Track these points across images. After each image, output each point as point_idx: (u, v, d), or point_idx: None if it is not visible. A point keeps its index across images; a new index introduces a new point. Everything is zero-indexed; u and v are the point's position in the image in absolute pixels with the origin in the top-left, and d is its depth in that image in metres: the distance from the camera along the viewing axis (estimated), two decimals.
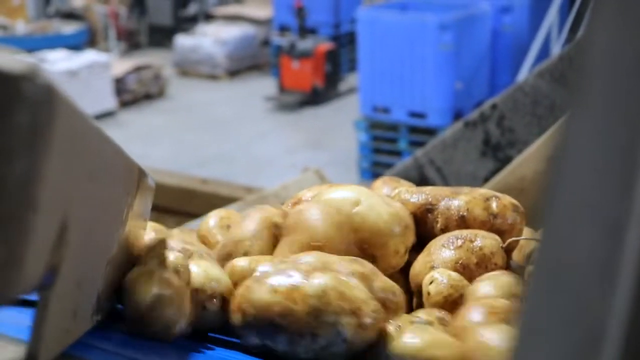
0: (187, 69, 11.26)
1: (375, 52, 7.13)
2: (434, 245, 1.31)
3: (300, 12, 9.73)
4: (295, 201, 1.35)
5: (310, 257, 1.18)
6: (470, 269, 1.25)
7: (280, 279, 1.12)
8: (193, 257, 1.23)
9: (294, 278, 1.11)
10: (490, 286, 1.20)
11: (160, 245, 1.25)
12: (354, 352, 1.10)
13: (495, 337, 1.08)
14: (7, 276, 0.68)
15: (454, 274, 1.23)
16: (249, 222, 1.34)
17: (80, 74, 9.24)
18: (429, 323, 1.15)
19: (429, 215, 1.37)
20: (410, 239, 1.32)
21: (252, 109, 9.78)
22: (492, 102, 2.92)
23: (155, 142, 8.65)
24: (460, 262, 1.26)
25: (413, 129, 7.17)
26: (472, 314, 1.13)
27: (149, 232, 1.36)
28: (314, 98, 9.66)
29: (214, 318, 1.20)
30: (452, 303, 1.20)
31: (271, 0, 11.00)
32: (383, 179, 1.56)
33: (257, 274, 1.17)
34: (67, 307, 0.92)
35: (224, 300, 1.19)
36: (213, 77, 11.11)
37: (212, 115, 9.62)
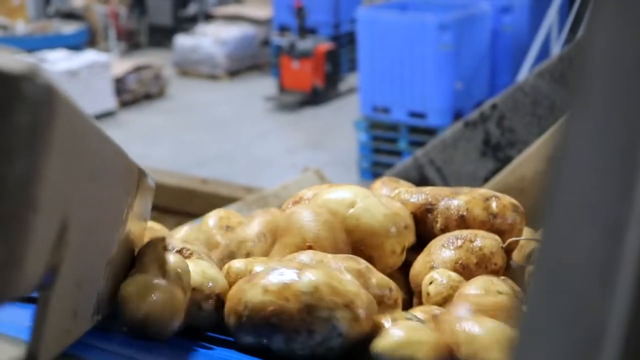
0: (187, 69, 11.26)
1: (375, 52, 7.13)
2: (434, 245, 1.31)
3: (300, 12, 9.73)
4: (296, 200, 1.35)
5: (305, 256, 1.19)
6: (470, 269, 1.25)
7: (271, 278, 1.12)
8: (192, 257, 1.24)
9: (285, 276, 1.12)
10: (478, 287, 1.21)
11: (159, 247, 1.25)
12: (350, 345, 1.11)
13: (476, 327, 1.08)
14: (7, 276, 0.68)
15: (454, 275, 1.23)
16: (253, 224, 1.35)
17: (80, 74, 9.24)
18: (426, 320, 1.15)
19: (429, 215, 1.37)
20: (410, 238, 1.32)
21: (252, 109, 9.78)
22: (492, 102, 2.92)
23: (155, 142, 8.65)
24: (460, 262, 1.26)
25: (413, 129, 7.17)
26: (458, 309, 1.14)
27: (148, 232, 1.36)
28: (314, 98, 9.67)
29: (210, 318, 1.20)
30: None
31: (271, 0, 11.00)
32: (382, 180, 1.56)
33: (249, 275, 1.18)
34: (67, 307, 0.92)
35: (220, 301, 1.19)
36: (213, 77, 11.11)
37: (212, 115, 9.62)
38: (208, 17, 12.62)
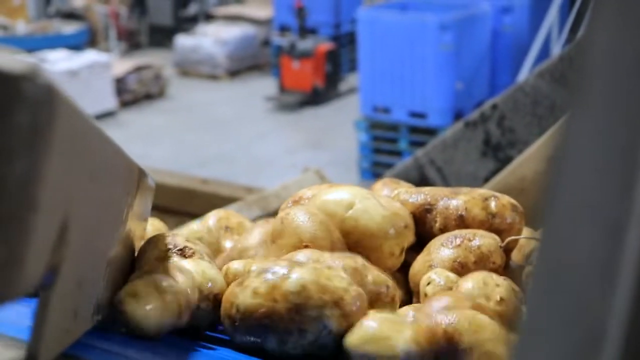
0: (187, 69, 11.27)
1: (375, 52, 7.13)
2: (433, 244, 1.31)
3: (300, 12, 9.73)
4: (296, 199, 1.35)
5: (301, 255, 1.19)
6: (469, 268, 1.25)
7: (260, 280, 1.13)
8: (194, 257, 1.24)
9: (274, 277, 1.12)
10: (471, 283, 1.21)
11: (160, 245, 1.25)
12: (342, 342, 1.11)
13: (446, 318, 1.08)
14: (8, 276, 0.68)
15: (452, 275, 1.23)
16: (256, 232, 1.36)
17: (80, 74, 9.24)
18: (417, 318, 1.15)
19: (428, 215, 1.37)
20: (409, 238, 1.32)
21: (253, 109, 9.78)
22: (493, 102, 2.92)
23: (155, 142, 8.66)
24: (458, 260, 1.26)
25: (413, 129, 7.17)
26: (437, 302, 1.14)
27: (150, 230, 1.36)
28: (314, 98, 9.67)
29: (208, 317, 1.21)
30: None
31: (271, 0, 11.00)
32: (383, 181, 1.57)
33: (240, 278, 1.18)
34: (68, 307, 0.92)
35: (218, 301, 1.20)
36: (213, 77, 11.11)
37: (212, 115, 9.62)
38: (208, 17, 12.63)
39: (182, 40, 11.29)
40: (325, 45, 9.70)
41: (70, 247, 0.82)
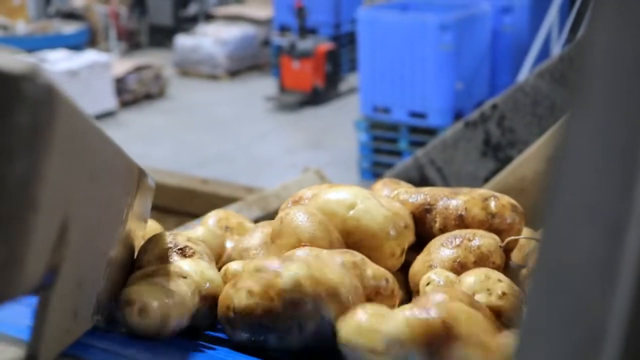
0: (187, 69, 11.27)
1: (375, 52, 7.13)
2: (433, 244, 1.31)
3: (300, 12, 9.73)
4: (296, 200, 1.35)
5: (301, 252, 1.19)
6: (468, 268, 1.25)
7: (254, 280, 1.12)
8: (194, 257, 1.24)
9: (267, 275, 1.12)
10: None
11: (162, 245, 1.25)
12: None
13: (439, 310, 1.07)
14: (8, 276, 0.68)
15: (451, 275, 1.23)
16: (257, 233, 1.36)
17: (80, 74, 9.24)
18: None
19: (428, 215, 1.37)
20: (409, 238, 1.32)
21: (253, 109, 9.78)
22: (493, 102, 2.92)
23: (155, 142, 8.66)
24: (458, 260, 1.26)
25: (413, 129, 7.17)
26: (432, 296, 1.13)
27: (150, 231, 1.36)
28: (315, 98, 9.67)
29: (206, 317, 1.21)
30: None
31: (271, 0, 11.00)
32: (383, 181, 1.56)
33: (233, 279, 1.18)
34: (68, 307, 0.92)
35: (216, 301, 1.20)
36: (213, 77, 11.11)
37: (212, 115, 9.62)
38: (208, 17, 12.63)
39: (182, 40, 11.29)
40: (325, 45, 9.70)
41: (70, 247, 0.82)
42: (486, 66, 7.40)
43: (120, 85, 9.86)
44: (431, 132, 6.87)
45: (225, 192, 3.26)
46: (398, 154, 7.17)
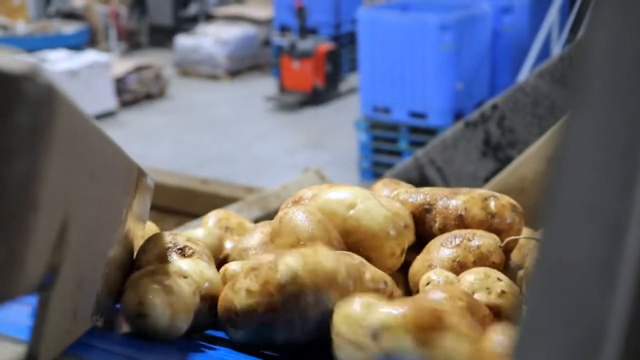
0: (187, 69, 11.27)
1: (375, 53, 7.13)
2: (433, 244, 1.31)
3: (300, 12, 9.73)
4: (296, 200, 1.35)
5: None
6: (468, 268, 1.25)
7: (252, 279, 1.12)
8: (193, 256, 1.24)
9: (263, 272, 1.11)
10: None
11: (162, 245, 1.25)
12: None
13: (432, 300, 1.07)
14: (8, 276, 0.68)
15: (451, 275, 1.23)
16: (256, 233, 1.36)
17: (80, 74, 9.25)
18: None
19: (427, 215, 1.37)
20: (409, 237, 1.32)
21: (253, 109, 9.78)
22: (493, 102, 2.92)
23: (155, 142, 8.66)
24: (457, 260, 1.26)
25: (413, 129, 7.17)
26: (431, 294, 1.13)
27: (147, 233, 1.36)
28: (315, 98, 9.67)
29: (205, 317, 1.21)
30: None
31: (272, 0, 11.00)
32: (383, 181, 1.56)
33: (231, 280, 1.18)
34: (68, 307, 0.92)
35: (215, 301, 1.20)
36: (213, 77, 11.12)
37: (212, 115, 9.62)
38: (209, 17, 12.63)
39: (182, 40, 11.29)
40: (325, 46, 9.70)
41: (70, 247, 0.82)
42: (486, 66, 7.40)
43: (120, 85, 9.86)
44: (431, 132, 6.87)
45: (225, 192, 3.26)
46: (398, 154, 7.17)
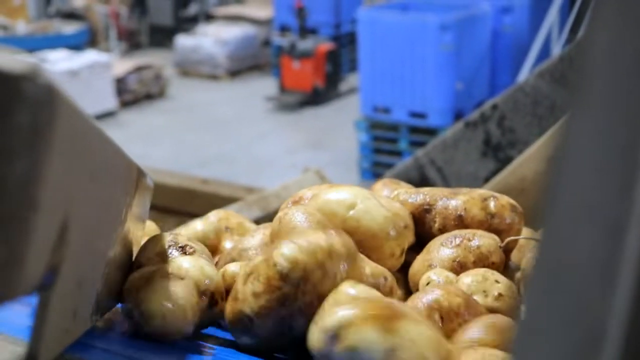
0: (187, 69, 11.27)
1: (375, 53, 7.13)
2: (433, 244, 1.31)
3: (300, 13, 9.73)
4: (296, 200, 1.35)
5: None
6: (468, 267, 1.25)
7: (252, 282, 1.11)
8: (194, 255, 1.24)
9: (263, 269, 1.10)
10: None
11: (163, 244, 1.25)
12: None
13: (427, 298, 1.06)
14: (8, 276, 0.68)
15: (451, 275, 1.23)
16: (257, 234, 1.36)
17: (81, 74, 9.25)
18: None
19: (427, 215, 1.37)
20: (409, 238, 1.32)
21: (253, 109, 9.78)
22: (493, 102, 2.92)
23: (156, 142, 8.66)
24: (457, 260, 1.26)
25: (413, 129, 7.17)
26: (428, 294, 1.13)
27: (147, 232, 1.36)
28: (315, 98, 9.67)
29: (203, 314, 1.21)
30: None
31: (272, 0, 11.00)
32: (383, 181, 1.57)
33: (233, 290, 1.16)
34: (67, 307, 0.92)
35: (214, 299, 1.19)
36: (214, 77, 11.12)
37: (212, 115, 9.62)
38: (209, 17, 12.63)
39: (183, 41, 11.29)
40: (325, 46, 9.70)
41: (70, 247, 0.82)
42: (486, 66, 7.40)
43: (120, 85, 9.86)
44: (431, 132, 6.87)
45: (226, 192, 3.26)
46: (398, 154, 7.17)
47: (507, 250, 1.29)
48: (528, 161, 2.02)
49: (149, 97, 10.22)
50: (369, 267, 1.19)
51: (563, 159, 0.53)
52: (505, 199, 1.35)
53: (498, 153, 2.86)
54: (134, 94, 10.04)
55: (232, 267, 1.26)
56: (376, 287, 1.16)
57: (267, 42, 11.45)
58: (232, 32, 11.26)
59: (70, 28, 11.30)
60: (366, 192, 1.32)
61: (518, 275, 1.26)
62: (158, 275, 1.16)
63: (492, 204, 1.34)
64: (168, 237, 1.27)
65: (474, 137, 2.89)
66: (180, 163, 7.67)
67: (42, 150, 0.68)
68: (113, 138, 0.98)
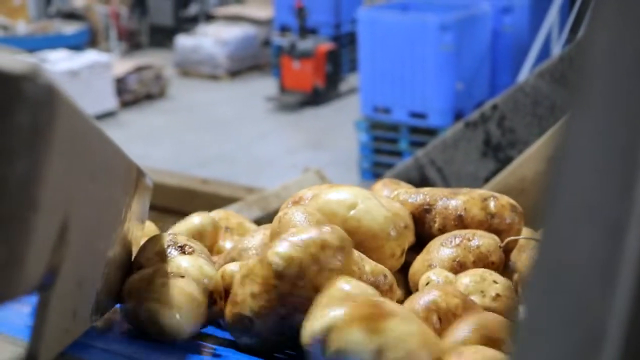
0: (188, 69, 11.27)
1: (375, 53, 7.13)
2: (433, 244, 1.31)
3: (300, 13, 9.73)
4: (296, 200, 1.35)
5: None
6: (467, 267, 1.25)
7: (249, 284, 1.11)
8: (193, 254, 1.24)
9: (258, 272, 1.10)
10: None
11: (162, 244, 1.25)
12: None
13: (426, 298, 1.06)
14: (8, 276, 0.68)
15: (450, 275, 1.23)
16: (257, 234, 1.36)
17: (81, 74, 9.25)
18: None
19: (427, 215, 1.37)
20: (409, 238, 1.32)
21: (253, 109, 9.78)
22: (493, 102, 2.92)
23: (156, 143, 8.66)
24: (457, 260, 1.26)
25: (414, 130, 7.17)
26: (426, 295, 1.13)
27: (148, 232, 1.36)
28: (315, 98, 9.67)
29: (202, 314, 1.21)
30: None
31: (272, 0, 11.00)
32: (383, 181, 1.56)
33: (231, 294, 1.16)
34: (67, 307, 0.92)
35: (212, 298, 1.19)
36: (214, 77, 11.12)
37: (213, 115, 9.62)
38: (209, 18, 12.63)
39: (183, 41, 11.29)
40: (325, 46, 9.70)
41: (70, 247, 0.82)
42: (486, 66, 7.40)
43: (120, 85, 9.86)
44: (431, 132, 6.87)
45: (226, 192, 3.26)
46: (398, 154, 7.17)
47: (507, 250, 1.29)
48: (528, 161, 2.02)
49: (149, 97, 10.22)
50: (368, 265, 1.19)
51: (563, 159, 0.53)
52: (505, 199, 1.35)
53: (498, 153, 2.86)
54: (134, 94, 10.04)
55: (231, 267, 1.26)
56: (375, 285, 1.16)
57: (267, 42, 11.45)
58: (232, 32, 11.26)
59: (70, 28, 11.30)
60: (366, 192, 1.32)
61: (516, 277, 1.26)
62: (157, 276, 1.16)
63: (492, 204, 1.34)
64: (167, 237, 1.27)
65: (474, 137, 2.89)
66: (180, 163, 7.67)
67: (42, 150, 0.68)
68: (113, 138, 0.98)
